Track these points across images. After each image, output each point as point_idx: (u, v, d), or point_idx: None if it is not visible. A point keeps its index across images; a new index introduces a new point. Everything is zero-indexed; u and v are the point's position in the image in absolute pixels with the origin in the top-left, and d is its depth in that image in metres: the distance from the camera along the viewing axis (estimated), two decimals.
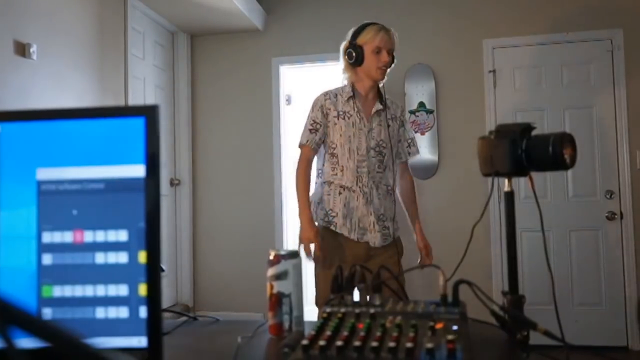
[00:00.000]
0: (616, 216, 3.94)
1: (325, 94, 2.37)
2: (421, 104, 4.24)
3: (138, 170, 0.78)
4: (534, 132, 1.10)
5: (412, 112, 4.26)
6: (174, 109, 4.61)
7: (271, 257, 1.08)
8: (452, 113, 4.22)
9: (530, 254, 3.91)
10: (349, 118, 2.30)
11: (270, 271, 1.08)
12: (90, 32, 3.33)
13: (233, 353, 0.98)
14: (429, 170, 4.22)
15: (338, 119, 2.31)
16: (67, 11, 3.14)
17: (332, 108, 2.32)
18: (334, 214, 2.29)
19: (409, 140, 2.49)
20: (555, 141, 1.02)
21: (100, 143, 0.79)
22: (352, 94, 2.32)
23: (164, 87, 4.47)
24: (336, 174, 2.30)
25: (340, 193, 2.30)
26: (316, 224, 2.29)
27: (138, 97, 3.96)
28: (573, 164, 1.05)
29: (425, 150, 4.23)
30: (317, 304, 2.30)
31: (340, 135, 2.29)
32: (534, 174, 1.10)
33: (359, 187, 2.28)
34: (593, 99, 4.04)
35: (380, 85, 2.38)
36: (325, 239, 2.27)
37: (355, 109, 2.32)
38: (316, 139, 2.31)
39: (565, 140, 1.03)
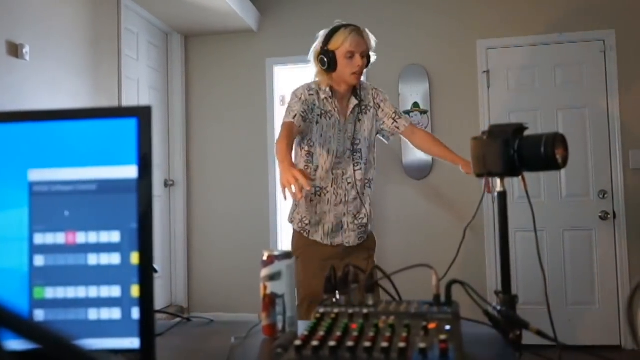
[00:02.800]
0: (609, 216, 3.95)
1: (308, 88, 2.26)
2: (415, 105, 4.25)
3: (130, 171, 0.77)
4: (526, 133, 1.10)
5: (406, 113, 4.26)
6: (168, 109, 4.60)
7: (265, 258, 1.08)
8: (446, 113, 4.23)
9: (524, 254, 3.93)
10: (329, 118, 2.25)
11: (264, 272, 1.08)
12: (84, 32, 3.32)
13: (226, 354, 0.98)
14: (423, 171, 4.23)
15: (321, 117, 2.24)
16: (60, 12, 3.13)
17: (316, 105, 2.25)
18: (306, 222, 2.27)
19: (393, 116, 2.37)
20: (548, 141, 1.03)
21: (92, 144, 0.79)
22: (331, 93, 2.26)
23: (158, 88, 4.46)
24: (309, 174, 2.22)
25: (312, 200, 2.25)
26: (294, 226, 2.29)
27: (132, 98, 3.95)
28: (565, 164, 1.05)
29: (419, 151, 4.22)
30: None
31: (321, 135, 2.23)
32: (527, 174, 1.11)
33: (334, 188, 2.24)
34: (586, 99, 4.06)
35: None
36: (299, 240, 2.27)
37: (336, 109, 2.26)
38: (302, 123, 2.17)
39: (558, 140, 1.04)
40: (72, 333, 0.76)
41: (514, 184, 3.57)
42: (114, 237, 0.77)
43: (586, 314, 3.96)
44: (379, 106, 2.37)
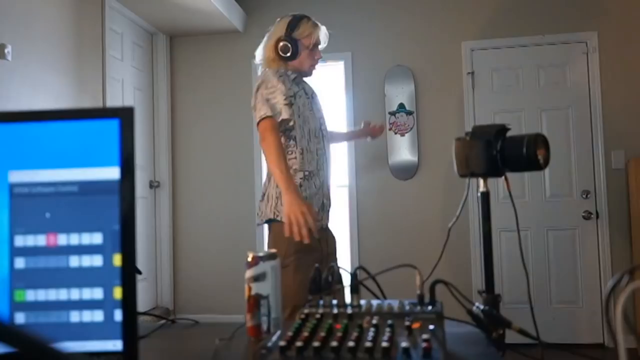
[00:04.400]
0: (592, 216, 4.00)
1: (277, 74, 2.14)
2: (401, 106, 4.27)
3: (113, 173, 0.77)
4: (509, 133, 1.12)
5: (392, 114, 4.28)
6: (153, 110, 4.57)
7: (249, 259, 1.08)
8: (432, 114, 4.26)
9: (509, 254, 3.96)
10: (299, 98, 2.17)
11: (249, 273, 1.07)
12: (67, 32, 3.29)
13: (211, 356, 0.98)
14: (408, 171, 4.25)
15: (295, 98, 2.15)
16: (43, 11, 3.10)
17: (287, 87, 2.13)
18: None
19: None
20: (529, 142, 1.04)
21: (74, 145, 0.78)
22: (296, 76, 2.20)
23: (143, 89, 4.43)
24: (295, 158, 2.13)
25: (301, 185, 2.11)
26: (279, 218, 2.07)
27: (116, 98, 3.91)
28: (546, 165, 1.07)
29: (405, 151, 4.26)
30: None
31: (299, 116, 2.14)
32: (511, 175, 1.12)
33: (318, 170, 2.18)
34: (569, 100, 4.11)
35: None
36: (289, 246, 2.01)
37: (303, 90, 2.21)
38: (288, 113, 2.11)
39: (539, 141, 1.05)
40: (54, 336, 0.76)
41: (498, 185, 3.60)
42: (96, 238, 0.77)
43: (569, 313, 4.01)
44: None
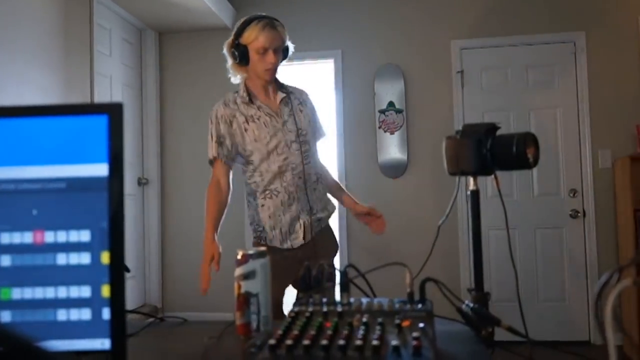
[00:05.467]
0: (579, 214, 4.04)
1: (225, 103, 2.15)
2: (390, 104, 4.28)
3: (101, 169, 0.76)
4: (498, 132, 1.12)
5: (381, 112, 4.29)
6: (142, 106, 4.54)
7: (239, 257, 1.08)
8: (421, 113, 4.27)
9: (498, 252, 3.99)
10: (258, 119, 2.11)
11: (238, 271, 1.07)
12: (54, 27, 3.25)
13: (200, 354, 0.97)
14: (398, 169, 4.26)
15: (248, 123, 2.11)
16: (30, 6, 3.06)
17: (236, 115, 2.12)
18: (260, 229, 2.15)
19: (320, 124, 2.31)
20: (519, 141, 1.05)
21: (61, 141, 0.77)
22: (248, 97, 2.14)
23: (132, 85, 4.40)
24: (255, 181, 2.13)
25: (262, 205, 2.13)
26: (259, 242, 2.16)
27: (104, 94, 3.88)
28: (536, 163, 1.07)
29: (394, 150, 4.27)
30: None
31: (255, 140, 2.10)
32: (500, 174, 1.13)
33: (284, 187, 2.10)
34: (557, 100, 4.14)
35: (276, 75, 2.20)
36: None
37: (261, 109, 2.13)
38: (224, 152, 2.12)
39: (529, 139, 1.06)
40: (41, 335, 0.75)
41: (487, 183, 3.62)
42: (84, 236, 0.76)
43: (556, 310, 4.04)
44: (312, 111, 2.29)
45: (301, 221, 2.13)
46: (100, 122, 0.76)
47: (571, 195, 4.07)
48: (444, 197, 3.98)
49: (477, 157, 1.06)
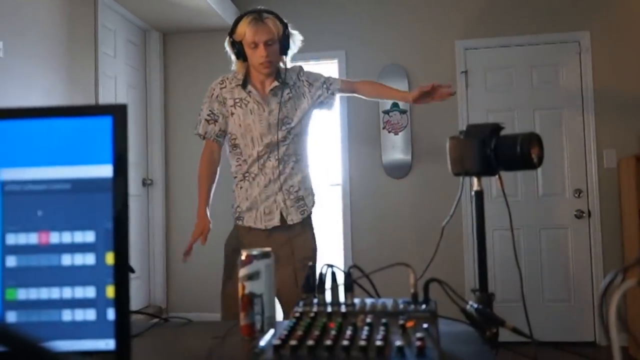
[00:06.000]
0: (584, 214, 4.03)
1: (221, 81, 2.25)
2: (395, 104, 4.27)
3: (105, 171, 0.76)
4: (503, 132, 1.12)
5: (385, 112, 4.29)
6: (147, 107, 4.55)
7: (243, 258, 1.08)
8: (425, 113, 4.26)
9: (502, 252, 3.98)
10: (245, 105, 2.18)
11: (242, 272, 1.07)
12: (59, 29, 3.27)
13: (204, 355, 0.97)
14: (402, 170, 4.25)
15: (235, 107, 2.18)
16: (36, 8, 3.07)
17: (228, 97, 2.20)
18: (240, 210, 2.22)
19: (324, 83, 2.32)
20: (523, 141, 1.04)
21: (66, 142, 0.77)
22: (242, 81, 2.19)
23: (136, 86, 4.41)
24: (240, 165, 2.20)
25: (241, 187, 2.21)
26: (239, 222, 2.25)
27: (109, 96, 3.89)
28: (540, 164, 1.07)
29: (398, 150, 4.26)
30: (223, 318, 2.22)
31: (240, 125, 2.17)
32: (504, 174, 1.12)
33: (262, 172, 2.17)
34: (562, 99, 4.13)
35: (282, 65, 2.23)
36: (235, 238, 2.26)
37: (251, 95, 2.18)
38: (216, 130, 2.21)
39: (533, 140, 1.05)
40: (46, 335, 0.75)
41: (492, 184, 3.61)
42: (89, 237, 0.76)
43: (562, 311, 4.03)
44: (309, 82, 2.30)
45: (277, 203, 2.18)
46: (104, 123, 0.76)
47: (576, 195, 4.06)
48: (448, 197, 3.97)
49: (481, 158, 1.06)
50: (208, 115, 2.22)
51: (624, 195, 3.89)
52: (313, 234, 2.28)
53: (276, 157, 2.17)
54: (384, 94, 2.46)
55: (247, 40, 2.12)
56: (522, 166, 1.06)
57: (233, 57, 2.22)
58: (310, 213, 2.27)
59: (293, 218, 2.19)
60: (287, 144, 2.20)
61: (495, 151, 1.06)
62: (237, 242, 2.24)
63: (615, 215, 3.98)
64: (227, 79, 2.25)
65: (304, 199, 2.23)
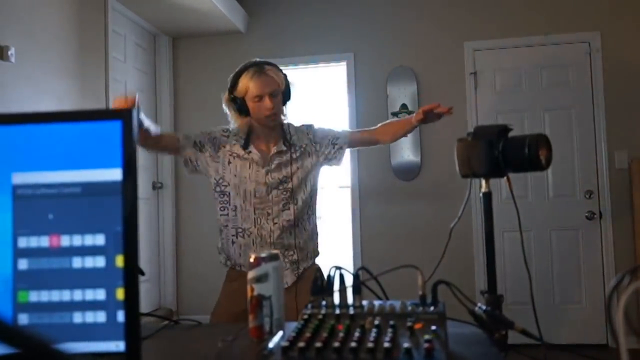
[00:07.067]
0: (595, 216, 3.99)
1: (224, 130, 2.17)
2: (403, 106, 4.27)
3: (115, 174, 0.77)
4: (511, 134, 1.12)
5: (394, 114, 4.28)
6: (156, 111, 4.58)
7: (251, 260, 1.08)
8: None
9: (512, 254, 3.95)
10: (245, 159, 2.10)
11: (251, 274, 1.08)
12: (70, 34, 3.30)
13: (214, 357, 0.98)
14: (411, 172, 4.25)
15: (233, 158, 2.12)
16: (46, 13, 3.10)
17: (227, 146, 2.13)
18: (232, 261, 2.15)
19: (331, 139, 2.20)
20: (531, 142, 1.04)
21: (76, 147, 0.78)
22: (245, 139, 2.12)
23: (146, 90, 4.44)
24: (227, 214, 2.12)
25: (233, 242, 2.12)
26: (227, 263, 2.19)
27: None
28: (548, 165, 1.07)
29: (408, 152, 4.26)
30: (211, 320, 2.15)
31: (235, 176, 2.10)
32: (514, 175, 1.12)
33: (257, 229, 2.09)
34: (572, 100, 4.10)
35: (285, 121, 2.16)
36: (232, 279, 2.17)
37: (250, 154, 2.11)
38: (191, 153, 2.14)
39: (541, 141, 1.05)
40: (57, 337, 0.76)
41: (501, 185, 3.60)
42: (99, 240, 0.77)
43: (573, 313, 4.00)
44: (316, 142, 2.20)
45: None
46: (114, 128, 0.77)
47: (587, 196, 4.02)
48: (457, 199, 3.95)
49: (489, 159, 1.06)
50: (199, 140, 2.13)
51: (635, 196, 3.86)
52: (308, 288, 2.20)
53: (273, 220, 2.09)
54: (399, 132, 2.30)
55: (250, 94, 2.05)
56: (530, 168, 1.06)
57: (232, 114, 2.14)
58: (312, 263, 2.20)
59: (287, 280, 2.09)
60: (288, 206, 2.11)
61: (503, 153, 1.06)
62: (238, 284, 2.06)
63: (627, 217, 3.94)
64: (231, 132, 2.16)
65: (297, 262, 2.13)
